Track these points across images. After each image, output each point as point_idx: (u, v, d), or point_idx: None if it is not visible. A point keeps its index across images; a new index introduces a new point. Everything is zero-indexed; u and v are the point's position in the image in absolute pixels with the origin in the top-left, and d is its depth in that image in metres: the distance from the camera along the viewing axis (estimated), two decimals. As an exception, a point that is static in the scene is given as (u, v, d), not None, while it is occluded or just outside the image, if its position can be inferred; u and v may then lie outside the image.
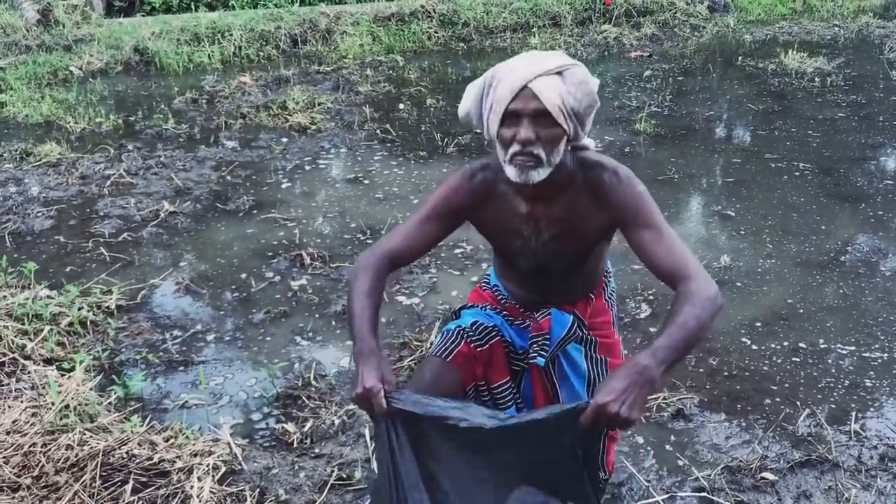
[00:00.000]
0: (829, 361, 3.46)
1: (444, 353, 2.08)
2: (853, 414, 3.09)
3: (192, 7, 10.45)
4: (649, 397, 1.57)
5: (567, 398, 2.15)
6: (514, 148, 1.78)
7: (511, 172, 1.81)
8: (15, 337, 3.36)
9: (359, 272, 1.94)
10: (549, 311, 2.10)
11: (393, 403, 1.73)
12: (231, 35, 8.91)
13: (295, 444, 2.92)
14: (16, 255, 4.37)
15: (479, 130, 1.90)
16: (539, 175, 1.80)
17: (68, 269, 4.28)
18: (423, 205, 2.04)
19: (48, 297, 3.79)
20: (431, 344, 3.49)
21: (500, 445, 1.70)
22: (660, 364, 1.58)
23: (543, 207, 1.93)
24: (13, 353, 3.24)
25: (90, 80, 8.06)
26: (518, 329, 2.19)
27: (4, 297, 3.70)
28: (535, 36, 9.64)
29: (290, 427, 3.00)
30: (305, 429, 2.99)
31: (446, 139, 6.18)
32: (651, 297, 3.94)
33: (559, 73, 1.75)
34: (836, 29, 10.26)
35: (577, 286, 2.14)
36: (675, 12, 10.68)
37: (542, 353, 2.07)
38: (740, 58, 8.83)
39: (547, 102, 1.73)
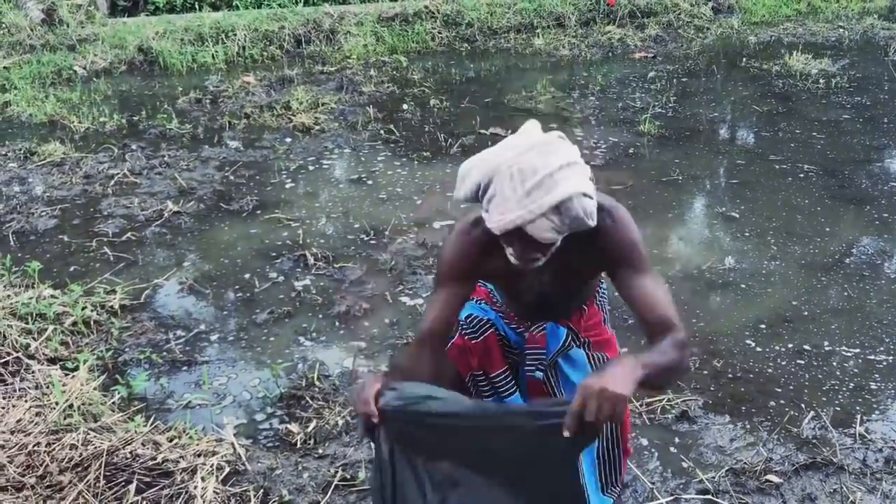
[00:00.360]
0: (834, 364, 3.45)
1: None
2: (858, 416, 3.08)
3: (196, 7, 10.45)
4: (632, 384, 1.56)
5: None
6: (510, 252, 1.82)
7: (512, 261, 1.85)
8: (19, 336, 3.36)
9: (407, 359, 2.00)
10: (544, 326, 2.16)
11: (382, 406, 1.71)
12: (235, 35, 8.90)
13: (298, 445, 2.92)
14: (20, 255, 4.37)
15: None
16: (539, 263, 1.84)
17: (72, 268, 4.28)
18: (435, 277, 2.04)
19: (52, 296, 3.79)
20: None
21: (488, 446, 1.70)
22: (642, 365, 1.60)
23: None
24: (17, 352, 3.24)
25: (94, 79, 8.06)
26: (512, 328, 2.25)
27: (8, 296, 3.70)
28: (539, 37, 9.63)
29: (293, 427, 3.00)
30: (309, 429, 2.98)
31: (450, 140, 6.17)
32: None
33: (556, 208, 1.67)
34: (841, 30, 10.24)
35: (575, 303, 2.20)
36: (679, 13, 10.66)
37: (540, 367, 2.13)
38: (744, 59, 8.82)
39: (540, 239, 1.72)
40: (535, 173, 1.65)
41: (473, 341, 2.17)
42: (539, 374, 2.11)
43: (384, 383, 1.75)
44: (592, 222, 1.74)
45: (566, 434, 1.54)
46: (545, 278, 2.01)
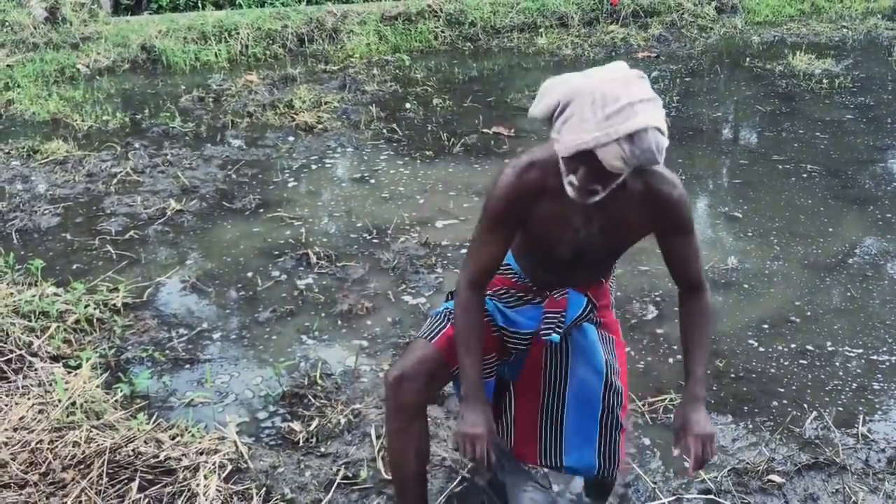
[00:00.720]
0: (837, 364, 3.45)
1: (429, 334, 2.19)
2: (861, 417, 3.08)
3: (199, 5, 10.46)
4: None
5: (583, 373, 2.18)
6: (573, 181, 1.82)
7: (569, 192, 1.86)
8: (22, 334, 3.36)
9: (458, 315, 2.07)
10: (565, 290, 2.16)
11: (494, 455, 1.96)
12: (238, 34, 8.91)
13: (301, 443, 2.92)
14: (23, 253, 4.37)
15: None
16: (597, 198, 1.86)
17: (75, 266, 4.28)
18: (482, 219, 2.05)
19: (55, 294, 3.80)
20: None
21: None
22: (702, 388, 2.09)
23: (600, 202, 1.92)
24: (20, 350, 3.24)
25: (97, 77, 8.07)
26: (521, 310, 2.23)
27: (11, 294, 3.71)
28: (542, 36, 9.62)
29: (296, 426, 3.00)
30: (311, 428, 2.99)
31: (452, 139, 6.17)
32: (658, 299, 3.93)
33: (631, 137, 1.69)
34: (845, 30, 10.22)
35: (598, 273, 2.22)
36: (683, 13, 10.65)
37: (558, 329, 2.12)
38: (748, 59, 8.81)
39: (609, 166, 1.73)
40: (616, 100, 1.69)
41: None
42: (556, 337, 2.11)
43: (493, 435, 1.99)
44: (661, 159, 1.75)
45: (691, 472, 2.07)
46: (594, 227, 2.00)
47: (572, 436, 2.17)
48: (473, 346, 2.04)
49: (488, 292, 2.24)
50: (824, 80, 7.83)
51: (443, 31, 9.64)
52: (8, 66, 7.90)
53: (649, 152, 1.71)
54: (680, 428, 2.04)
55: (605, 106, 1.69)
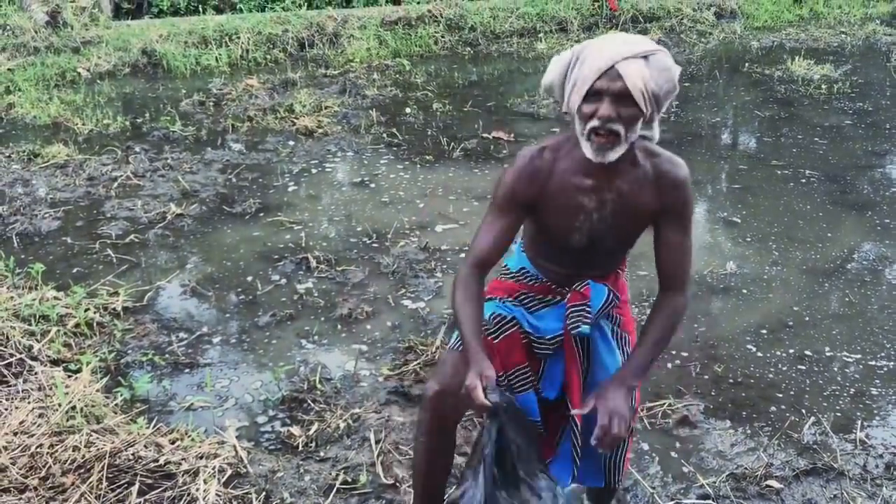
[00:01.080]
0: (835, 369, 3.45)
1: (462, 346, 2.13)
2: (859, 422, 3.09)
3: (200, 10, 10.48)
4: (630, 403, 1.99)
5: (601, 378, 2.17)
6: (594, 123, 1.85)
7: (588, 150, 1.90)
8: (22, 338, 3.37)
9: (456, 289, 2.07)
10: (586, 281, 2.15)
11: (489, 397, 1.89)
12: (238, 38, 8.92)
13: (300, 448, 2.93)
14: (23, 256, 4.38)
15: (557, 102, 2.01)
16: (615, 154, 1.89)
17: (75, 270, 4.29)
18: (492, 202, 2.10)
19: (55, 298, 3.80)
20: (437, 348, 3.50)
21: None
22: (637, 377, 2.02)
23: (607, 181, 1.99)
24: (20, 353, 3.25)
25: (98, 81, 8.08)
26: (543, 314, 2.20)
27: (12, 297, 3.72)
28: (541, 41, 9.64)
29: (295, 430, 3.01)
30: (311, 432, 2.99)
31: (452, 143, 6.19)
32: (656, 304, 3.94)
33: (645, 57, 1.82)
34: (843, 36, 10.25)
35: (613, 263, 2.21)
36: (682, 18, 10.68)
37: (586, 320, 2.10)
38: (747, 64, 8.83)
39: (631, 85, 1.80)
40: (627, 35, 1.88)
41: (495, 340, 2.15)
42: (585, 329, 2.08)
43: (487, 379, 1.91)
44: (677, 86, 1.88)
45: (593, 442, 1.94)
46: (606, 211, 2.01)
47: (584, 454, 2.17)
48: (469, 311, 2.03)
49: (510, 298, 2.23)
50: (823, 86, 7.85)
51: (443, 36, 9.66)
52: (9, 69, 7.91)
53: (667, 72, 1.83)
54: (595, 397, 1.98)
55: (619, 38, 1.86)
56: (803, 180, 5.56)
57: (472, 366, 1.92)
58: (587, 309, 2.11)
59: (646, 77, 1.80)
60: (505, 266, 2.34)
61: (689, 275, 2.08)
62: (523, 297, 2.24)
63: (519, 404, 2.15)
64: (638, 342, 2.07)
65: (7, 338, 3.34)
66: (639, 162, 1.99)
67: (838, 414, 3.16)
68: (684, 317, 2.09)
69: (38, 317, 3.59)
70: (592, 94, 1.84)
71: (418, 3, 10.58)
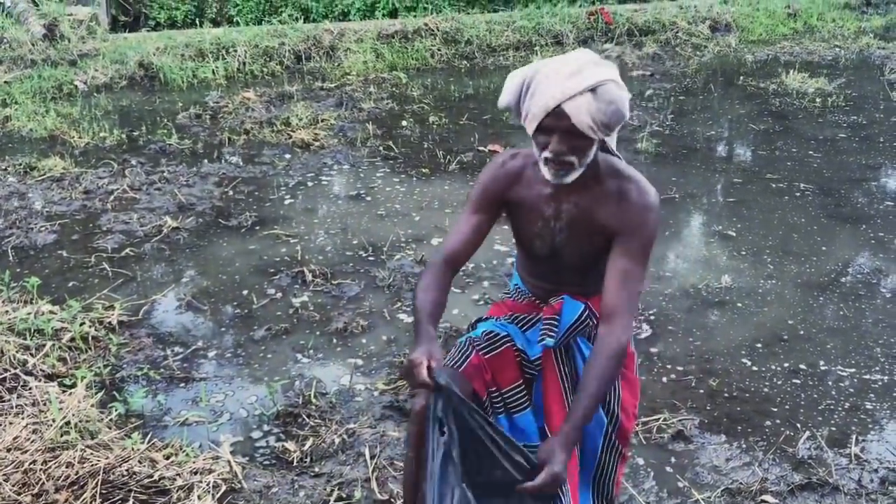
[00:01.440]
0: (830, 383, 3.46)
1: (456, 362, 2.16)
2: (854, 437, 3.09)
3: (197, 23, 10.52)
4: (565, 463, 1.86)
5: None
6: (547, 154, 1.89)
7: (546, 172, 1.94)
8: (17, 352, 3.36)
9: (421, 277, 2.10)
10: (562, 296, 2.17)
11: (436, 377, 1.83)
12: (235, 51, 8.95)
13: (295, 463, 2.92)
14: (18, 270, 4.38)
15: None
16: (571, 177, 1.93)
17: (70, 284, 4.29)
18: (467, 201, 2.18)
19: (50, 312, 3.80)
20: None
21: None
22: (577, 433, 1.93)
23: (566, 193, 2.03)
24: (15, 368, 3.24)
25: (95, 94, 8.10)
26: (531, 334, 2.21)
27: (7, 311, 3.71)
28: (537, 54, 9.68)
29: (290, 445, 3.01)
30: (305, 447, 2.99)
31: (448, 156, 6.20)
32: (651, 318, 3.95)
33: (593, 90, 1.81)
34: (837, 49, 10.31)
35: (589, 281, 2.17)
36: (677, 31, 10.73)
37: (551, 335, 2.11)
38: (741, 77, 8.87)
39: (577, 122, 1.82)
40: (575, 62, 1.84)
41: (488, 356, 2.17)
42: (550, 342, 2.10)
43: (434, 359, 1.86)
44: (627, 113, 1.87)
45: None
46: (562, 220, 2.06)
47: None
48: (427, 297, 2.02)
49: (505, 317, 2.26)
50: (817, 99, 7.89)
51: (439, 49, 9.70)
52: (6, 82, 7.92)
53: (613, 105, 1.82)
54: (539, 455, 1.90)
55: (566, 68, 1.83)
56: (798, 193, 5.58)
57: (420, 344, 1.90)
58: (555, 322, 2.12)
59: (593, 112, 1.81)
60: (506, 290, 2.39)
61: (632, 308, 1.98)
62: (516, 316, 2.26)
63: (517, 426, 2.16)
64: (578, 388, 1.97)
65: (2, 352, 3.34)
66: (602, 179, 2.01)
67: (833, 428, 3.16)
68: (623, 354, 1.94)
69: (33, 331, 3.59)
70: (544, 129, 1.87)
71: (415, 16, 10.63)
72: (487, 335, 2.20)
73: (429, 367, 1.82)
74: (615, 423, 2.19)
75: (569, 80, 1.80)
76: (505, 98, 1.96)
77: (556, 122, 1.83)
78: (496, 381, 2.18)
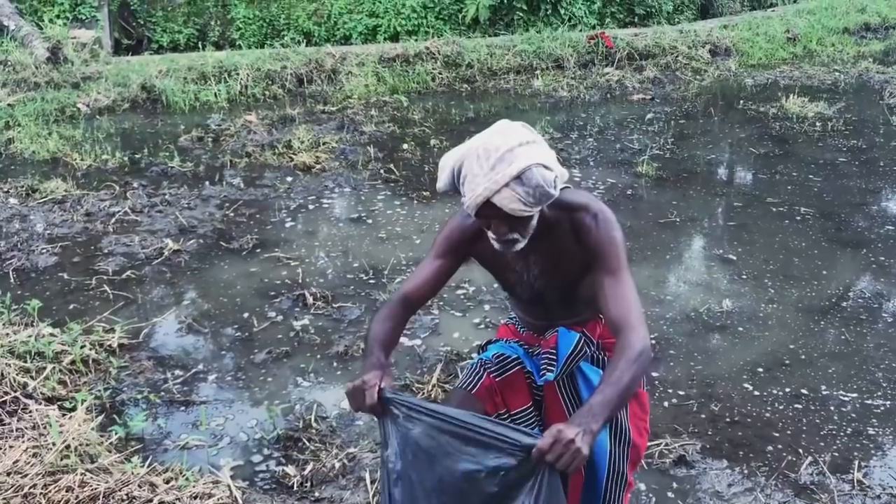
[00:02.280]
0: (832, 408, 3.45)
1: (468, 385, 2.21)
2: (856, 462, 3.08)
3: (200, 46, 10.58)
4: (591, 441, 1.68)
5: None
6: (492, 235, 1.96)
7: (495, 245, 2.00)
8: (17, 375, 3.36)
9: (378, 313, 2.14)
10: (556, 329, 2.19)
11: (385, 395, 1.85)
12: (238, 74, 9.01)
13: (295, 487, 2.91)
14: (19, 292, 4.38)
15: None
16: (520, 246, 1.98)
17: (71, 306, 4.29)
18: (432, 245, 2.20)
19: (51, 334, 3.79)
20: (434, 386, 3.49)
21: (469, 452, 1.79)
22: (597, 418, 1.71)
23: (529, 247, 2.05)
24: (15, 391, 3.24)
25: (97, 117, 8.13)
26: (536, 361, 2.25)
27: (7, 334, 3.71)
28: (538, 78, 9.74)
29: (290, 470, 2.99)
30: (306, 472, 2.98)
31: (449, 180, 6.21)
32: (653, 342, 3.94)
33: (518, 178, 1.83)
34: (837, 74, 10.36)
35: (579, 310, 2.21)
36: (677, 56, 10.80)
37: (550, 368, 2.13)
38: (741, 101, 8.92)
39: (509, 211, 1.86)
40: (497, 150, 1.85)
41: (498, 379, 2.21)
42: (550, 376, 2.12)
43: (385, 381, 1.87)
44: (555, 192, 1.89)
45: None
46: (535, 271, 2.11)
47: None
48: (381, 328, 2.06)
49: (514, 340, 2.31)
50: (817, 123, 7.93)
51: (440, 73, 9.76)
52: (9, 105, 7.96)
53: (540, 188, 1.85)
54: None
55: (489, 158, 1.85)
56: (798, 217, 5.59)
57: (372, 367, 1.92)
58: (552, 356, 2.15)
59: (521, 197, 1.84)
60: (508, 312, 2.42)
61: (637, 311, 1.93)
62: (521, 342, 2.32)
63: None
64: (600, 379, 1.87)
65: (2, 375, 3.33)
66: (557, 220, 2.04)
67: (835, 454, 3.15)
68: (645, 351, 1.84)
69: (33, 353, 3.58)
70: (480, 216, 1.92)
71: (416, 39, 10.71)
72: (498, 357, 2.25)
73: (380, 390, 1.85)
74: (626, 440, 2.18)
75: (493, 172, 1.83)
76: (441, 183, 1.99)
77: (491, 212, 1.88)
78: (506, 403, 2.22)
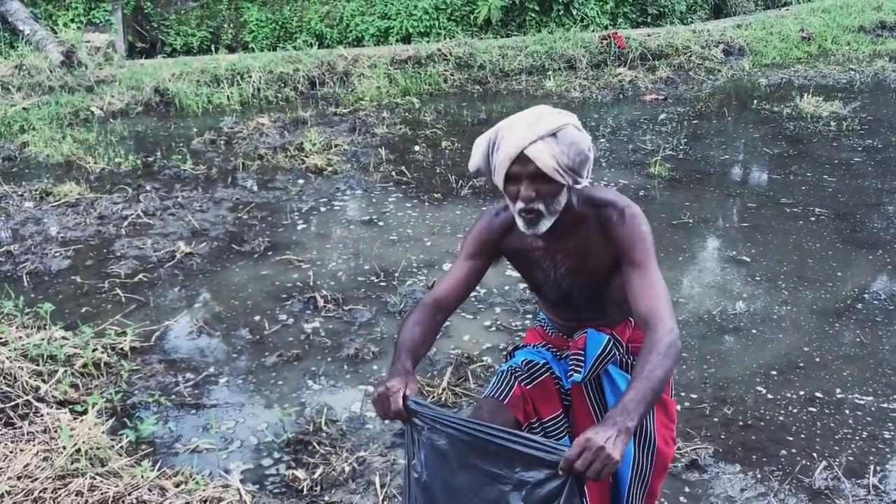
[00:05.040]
0: (847, 412, 3.41)
1: (499, 394, 2.19)
2: (871, 466, 3.04)
3: (213, 49, 10.63)
4: (623, 445, 1.63)
5: None
6: (519, 205, 1.94)
7: (520, 224, 2.00)
8: (29, 378, 3.37)
9: (407, 318, 2.11)
10: (585, 330, 2.18)
11: (409, 405, 1.83)
12: (250, 77, 9.04)
13: (305, 491, 2.90)
14: (33, 296, 4.40)
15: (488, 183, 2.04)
16: (544, 226, 1.97)
17: (84, 309, 4.30)
18: (460, 247, 2.22)
19: (63, 338, 3.81)
20: (444, 389, 3.48)
21: (492, 461, 1.76)
22: (632, 416, 1.67)
23: (556, 243, 2.07)
24: (27, 395, 3.25)
25: (111, 120, 8.18)
26: (564, 365, 2.24)
27: (20, 337, 3.72)
28: (550, 79, 9.71)
29: (300, 473, 2.99)
30: (315, 475, 2.97)
31: (461, 181, 6.21)
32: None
33: (553, 134, 1.88)
34: (852, 73, 10.28)
35: (608, 311, 2.20)
36: (691, 56, 10.75)
37: (578, 370, 2.13)
38: (755, 101, 8.86)
39: (542, 165, 1.87)
40: (534, 113, 1.93)
41: (529, 387, 2.19)
42: (577, 377, 2.11)
43: (410, 388, 1.85)
44: (588, 155, 1.92)
45: (560, 473, 1.64)
46: (562, 269, 2.10)
47: None
48: (410, 335, 2.04)
49: (541, 345, 2.31)
50: (832, 123, 7.86)
51: (452, 74, 9.75)
52: (24, 108, 8.02)
53: (575, 145, 1.88)
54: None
55: (527, 118, 1.92)
56: (813, 218, 5.54)
57: (395, 375, 1.89)
58: (580, 357, 2.13)
59: (556, 154, 1.87)
60: (539, 318, 2.43)
61: (666, 303, 1.90)
62: (550, 345, 2.31)
63: None
64: (631, 376, 1.83)
65: (15, 378, 3.34)
66: (584, 217, 2.04)
67: (850, 458, 3.11)
68: (678, 346, 1.82)
69: (45, 357, 3.60)
70: (511, 178, 1.93)
71: (428, 41, 10.71)
72: (527, 364, 2.23)
73: (404, 397, 1.83)
74: (651, 447, 2.16)
75: (529, 128, 1.88)
76: (474, 161, 2.01)
77: (522, 168, 1.89)
78: (538, 411, 2.20)
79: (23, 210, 5.66)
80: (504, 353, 2.42)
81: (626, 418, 1.65)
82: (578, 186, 1.97)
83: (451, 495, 1.82)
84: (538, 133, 1.87)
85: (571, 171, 1.90)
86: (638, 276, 1.95)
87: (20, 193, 5.94)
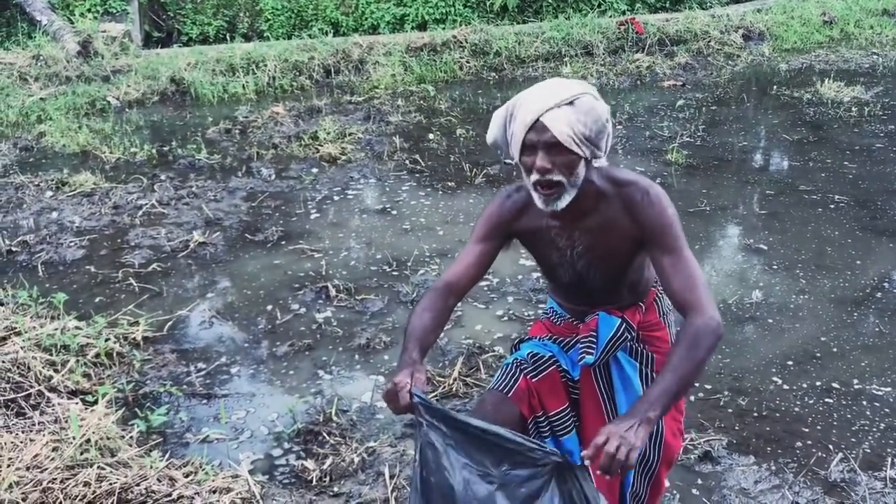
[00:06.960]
0: (864, 403, 3.35)
1: (504, 387, 2.16)
2: (889, 459, 2.99)
3: (228, 38, 10.63)
4: (645, 435, 1.68)
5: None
6: (535, 176, 1.90)
7: (537, 200, 1.95)
8: (42, 368, 3.38)
9: (417, 304, 2.11)
10: (596, 313, 2.15)
11: (415, 400, 1.81)
12: (265, 65, 9.03)
13: (314, 482, 2.90)
14: (47, 285, 4.42)
15: (506, 160, 2.03)
16: (563, 201, 1.93)
17: (97, 299, 4.32)
18: (472, 231, 2.18)
19: (76, 327, 3.82)
20: (455, 379, 3.46)
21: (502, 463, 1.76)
22: (654, 407, 1.71)
23: (574, 221, 2.03)
24: (39, 384, 3.26)
25: (127, 110, 8.21)
26: (572, 355, 2.21)
27: (34, 327, 3.74)
28: (567, 65, 9.63)
29: (309, 464, 2.98)
30: (325, 466, 2.96)
31: (475, 169, 6.17)
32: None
33: (570, 103, 1.85)
34: (875, 57, 10.11)
35: (621, 295, 2.17)
36: (710, 41, 10.60)
37: (590, 352, 2.09)
38: (775, 87, 8.73)
39: (558, 133, 1.84)
40: (553, 83, 1.91)
41: (535, 380, 2.15)
42: (589, 359, 2.08)
43: (416, 381, 1.83)
44: (606, 124, 1.89)
45: (586, 462, 1.68)
46: (579, 248, 2.05)
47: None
48: (420, 322, 2.02)
49: (547, 337, 2.26)
50: (853, 108, 7.73)
51: (468, 62, 9.69)
52: (41, 98, 8.06)
53: (593, 112, 1.85)
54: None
55: (544, 88, 1.90)
56: (832, 206, 5.46)
57: (405, 366, 1.87)
58: (593, 340, 2.10)
59: (572, 122, 1.83)
60: (545, 308, 2.39)
61: (703, 290, 1.88)
62: (556, 338, 2.26)
63: (563, 448, 2.12)
64: (662, 368, 1.84)
65: (28, 368, 3.36)
66: (606, 195, 2.01)
67: (867, 450, 3.05)
68: (715, 335, 1.81)
69: (58, 347, 3.61)
70: (527, 147, 1.89)
71: (444, 28, 10.65)
72: (533, 357, 2.19)
73: (410, 393, 1.81)
74: (658, 438, 2.13)
75: (546, 96, 1.86)
76: (492, 132, 1.99)
77: (539, 137, 1.85)
78: (543, 405, 2.17)
79: (39, 200, 5.69)
80: (511, 345, 2.38)
81: (649, 408, 1.70)
82: (597, 162, 1.94)
83: (447, 492, 1.81)
84: (555, 100, 1.84)
85: (588, 142, 1.86)
86: (672, 263, 1.92)
87: (37, 184, 5.98)
